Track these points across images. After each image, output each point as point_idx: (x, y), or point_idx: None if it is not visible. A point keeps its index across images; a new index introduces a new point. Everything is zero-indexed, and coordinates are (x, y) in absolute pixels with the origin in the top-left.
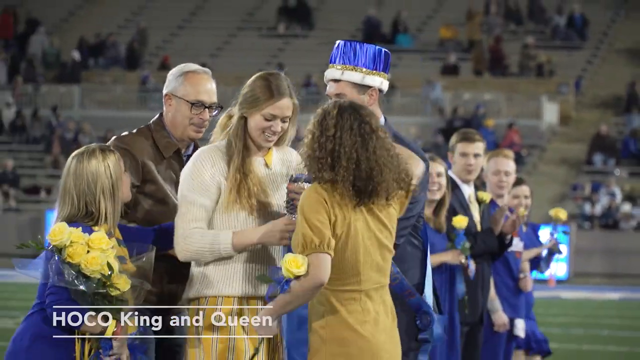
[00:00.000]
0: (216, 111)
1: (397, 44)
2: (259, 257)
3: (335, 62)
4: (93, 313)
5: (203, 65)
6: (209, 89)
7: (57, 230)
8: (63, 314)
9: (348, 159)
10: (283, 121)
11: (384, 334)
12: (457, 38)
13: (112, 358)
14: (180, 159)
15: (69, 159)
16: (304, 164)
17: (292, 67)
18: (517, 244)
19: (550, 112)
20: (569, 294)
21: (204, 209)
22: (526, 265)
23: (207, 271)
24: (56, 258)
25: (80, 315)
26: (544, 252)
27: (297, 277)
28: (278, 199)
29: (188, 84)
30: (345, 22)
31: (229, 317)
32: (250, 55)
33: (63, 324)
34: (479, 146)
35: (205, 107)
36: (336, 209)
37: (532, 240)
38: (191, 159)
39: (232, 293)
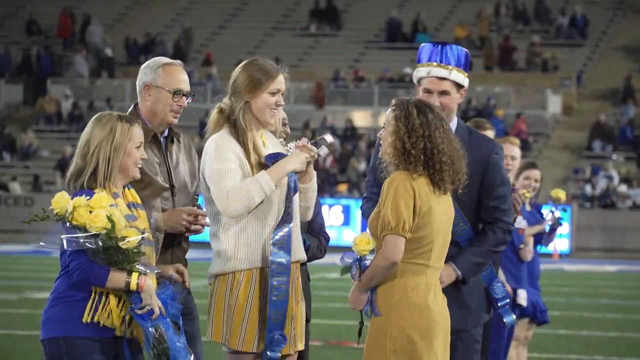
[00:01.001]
0: (189, 98)
1: (416, 42)
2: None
3: (435, 61)
4: (114, 269)
5: (240, 61)
6: (185, 79)
7: (58, 199)
8: (87, 274)
9: (440, 155)
10: (281, 94)
11: (442, 307)
12: (470, 36)
13: (144, 310)
14: (157, 142)
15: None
16: (390, 159)
17: (322, 62)
18: (520, 222)
19: (554, 103)
20: (571, 266)
21: (235, 172)
22: (529, 240)
23: (229, 248)
24: (65, 225)
25: (102, 273)
26: (547, 228)
27: (371, 252)
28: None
29: (167, 74)
30: (370, 23)
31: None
32: (285, 53)
33: (88, 283)
34: (489, 134)
35: (183, 94)
36: (423, 196)
37: (535, 218)
38: (208, 147)
39: (253, 266)
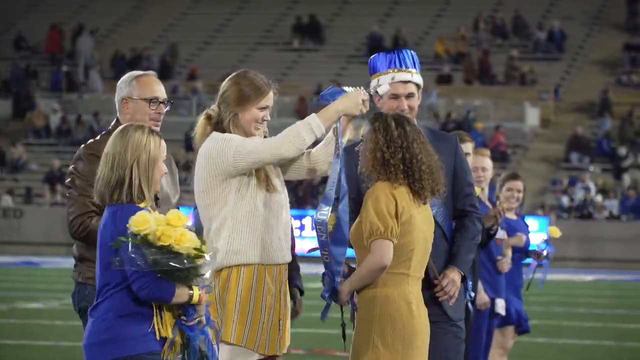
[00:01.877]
0: (167, 106)
1: None
2: (273, 229)
3: (396, 67)
4: (179, 285)
5: (227, 75)
6: (160, 88)
7: (141, 219)
8: (155, 292)
9: (419, 164)
10: (269, 109)
11: (424, 316)
12: (449, 51)
13: (194, 322)
14: None
15: (117, 129)
16: (371, 170)
17: (305, 77)
18: (500, 233)
19: (532, 116)
20: (549, 276)
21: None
22: (508, 251)
23: (230, 242)
24: (141, 246)
25: (171, 290)
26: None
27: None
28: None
29: (141, 85)
30: (351, 38)
31: (253, 283)
32: (269, 67)
33: (154, 300)
34: (469, 146)
35: (160, 102)
36: (404, 205)
37: (521, 226)
38: (209, 145)
39: (253, 261)
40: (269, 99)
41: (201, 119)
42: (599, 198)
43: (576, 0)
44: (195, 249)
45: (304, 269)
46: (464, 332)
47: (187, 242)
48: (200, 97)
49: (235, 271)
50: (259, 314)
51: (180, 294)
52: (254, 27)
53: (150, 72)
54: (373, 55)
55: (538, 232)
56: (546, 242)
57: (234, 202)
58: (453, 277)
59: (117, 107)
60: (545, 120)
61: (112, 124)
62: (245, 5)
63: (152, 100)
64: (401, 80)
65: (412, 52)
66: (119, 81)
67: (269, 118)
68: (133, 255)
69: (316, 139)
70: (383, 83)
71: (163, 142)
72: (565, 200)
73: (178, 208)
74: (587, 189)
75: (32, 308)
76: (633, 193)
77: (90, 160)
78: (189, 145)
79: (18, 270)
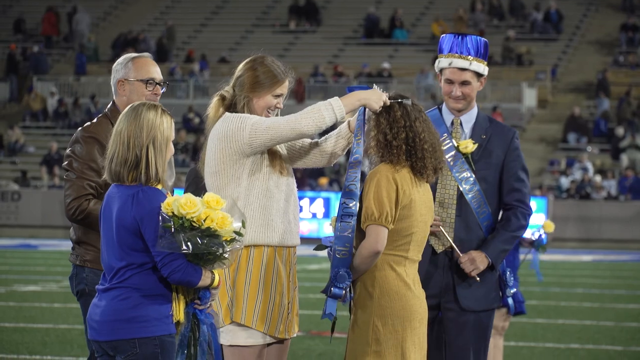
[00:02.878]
0: (164, 88)
1: (394, 38)
2: (284, 212)
3: (456, 52)
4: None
5: (222, 59)
6: (156, 69)
7: (189, 203)
8: (186, 275)
9: (422, 143)
10: (283, 97)
11: (421, 297)
12: (446, 32)
13: (207, 305)
14: None
15: (128, 107)
16: (374, 152)
17: (302, 58)
18: None
19: (530, 97)
20: (547, 256)
21: None
22: None
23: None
24: (183, 229)
25: (198, 273)
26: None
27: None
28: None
29: (137, 67)
30: (348, 19)
31: (263, 265)
32: (265, 49)
33: (182, 283)
34: None
35: (157, 83)
36: (405, 189)
37: None
38: (223, 121)
39: (263, 242)
40: (285, 87)
41: (214, 100)
42: (597, 178)
43: None
44: (235, 232)
45: (302, 250)
46: (489, 321)
47: (227, 225)
48: (197, 79)
49: (245, 252)
50: (269, 296)
51: (205, 278)
52: (251, 9)
53: (146, 53)
54: (443, 35)
55: (536, 213)
56: (539, 231)
57: (246, 184)
58: (474, 257)
59: (113, 89)
60: (542, 101)
61: (109, 106)
62: None
63: (148, 82)
64: (457, 67)
65: (480, 39)
66: (115, 63)
67: (282, 106)
68: (175, 238)
69: (336, 122)
70: (442, 65)
71: (173, 122)
72: (563, 180)
73: (173, 191)
74: (585, 170)
75: (30, 291)
76: (631, 173)
77: (88, 143)
78: (188, 127)
79: (16, 253)
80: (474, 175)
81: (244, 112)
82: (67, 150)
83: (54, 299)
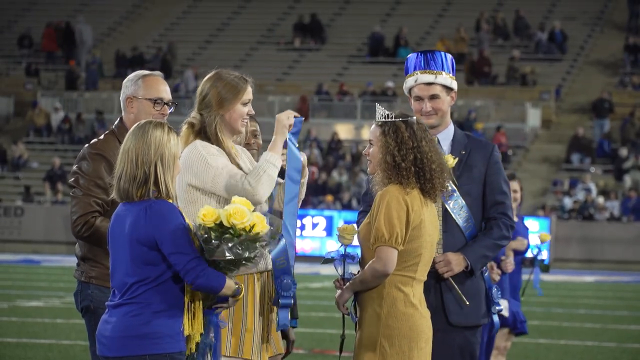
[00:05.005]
0: (172, 108)
1: (398, 57)
2: None
3: (420, 69)
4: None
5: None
6: (166, 88)
7: (240, 213)
8: (208, 280)
9: (430, 164)
10: (250, 102)
11: (427, 318)
12: (451, 51)
13: (219, 311)
14: None
15: (134, 126)
16: (382, 174)
17: (306, 76)
18: None
19: (534, 117)
20: (550, 277)
21: (232, 166)
22: (510, 252)
23: None
24: (227, 239)
25: (222, 279)
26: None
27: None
28: None
29: (147, 85)
30: (353, 37)
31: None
32: (270, 67)
33: (203, 289)
34: None
35: (165, 103)
36: (415, 210)
37: (520, 228)
38: (191, 155)
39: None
40: (249, 92)
41: (184, 129)
42: (600, 199)
43: (578, 0)
44: (270, 235)
45: (304, 269)
46: (475, 340)
47: (264, 227)
48: None
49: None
50: (252, 323)
51: (228, 285)
52: (256, 26)
53: (157, 72)
54: (408, 56)
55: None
56: (538, 247)
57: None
58: (449, 259)
59: (122, 105)
60: (546, 121)
61: (116, 122)
62: (246, 4)
63: (156, 101)
64: (424, 82)
65: (445, 54)
66: (125, 79)
67: (253, 112)
68: (218, 249)
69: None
70: (409, 85)
71: (179, 140)
72: (566, 201)
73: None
74: (588, 190)
75: (33, 306)
76: (634, 194)
77: (95, 160)
78: None
79: (19, 269)
80: (457, 191)
81: (217, 132)
82: (74, 167)
83: (56, 314)
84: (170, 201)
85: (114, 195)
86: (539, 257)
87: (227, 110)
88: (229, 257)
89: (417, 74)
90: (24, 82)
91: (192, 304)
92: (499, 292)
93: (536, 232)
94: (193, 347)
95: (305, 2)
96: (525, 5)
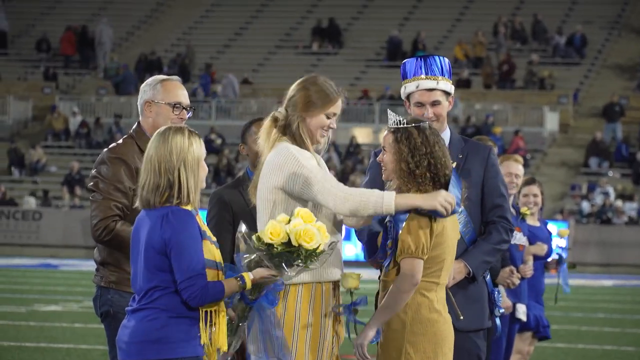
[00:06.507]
0: (190, 112)
1: None
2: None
3: (422, 74)
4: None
5: (245, 80)
6: (184, 93)
7: (310, 235)
8: (207, 293)
9: (444, 169)
10: (335, 117)
11: (449, 323)
12: (469, 55)
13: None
14: None
15: (155, 134)
16: (399, 182)
17: None
18: (520, 238)
19: (552, 121)
20: (568, 281)
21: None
22: (529, 257)
23: None
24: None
25: (219, 286)
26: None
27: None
28: None
29: (165, 90)
30: (371, 41)
31: (311, 302)
32: (287, 70)
33: (209, 301)
34: None
35: (183, 107)
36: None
37: (543, 233)
38: (281, 154)
39: (310, 280)
40: (337, 106)
41: (267, 121)
42: (618, 203)
43: (595, 5)
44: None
45: None
46: (481, 343)
47: (327, 236)
48: (219, 100)
49: (293, 290)
50: (318, 335)
51: (229, 286)
52: (274, 30)
53: (175, 77)
54: (404, 61)
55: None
56: (560, 247)
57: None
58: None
59: (139, 109)
60: (564, 125)
61: (134, 127)
62: (264, 8)
63: (175, 106)
64: (425, 88)
65: (442, 58)
66: (143, 84)
67: (335, 126)
68: (275, 265)
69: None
70: (408, 90)
71: (202, 142)
72: (584, 205)
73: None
74: (606, 194)
75: (51, 310)
76: None
77: (114, 164)
78: (210, 149)
79: (37, 273)
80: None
81: (298, 132)
82: (93, 171)
83: (75, 319)
84: (190, 207)
85: (137, 203)
86: (564, 256)
87: (311, 115)
88: (287, 273)
89: (418, 79)
90: (42, 87)
91: (211, 315)
92: (500, 296)
93: (557, 235)
94: (214, 356)
95: (323, 6)
96: (543, 9)
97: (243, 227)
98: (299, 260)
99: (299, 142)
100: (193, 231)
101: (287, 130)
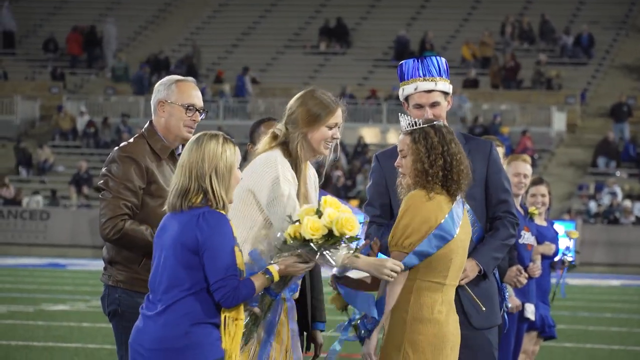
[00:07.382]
0: (203, 115)
1: None
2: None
3: (419, 76)
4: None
5: (253, 79)
6: (198, 95)
7: (351, 223)
8: (241, 291)
9: (459, 165)
10: (338, 127)
11: (455, 324)
12: (476, 55)
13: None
14: (174, 158)
15: (190, 140)
16: (411, 181)
17: (332, 80)
18: (527, 238)
19: (559, 121)
20: (576, 280)
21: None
22: (537, 257)
23: None
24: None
25: (249, 283)
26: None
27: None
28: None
29: (179, 90)
30: (378, 41)
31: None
32: (295, 70)
33: (241, 300)
34: (499, 151)
35: (196, 109)
36: (443, 213)
37: (551, 233)
38: (267, 164)
39: None
40: (338, 116)
41: (266, 138)
42: (626, 203)
43: (603, 5)
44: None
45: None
46: (494, 339)
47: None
48: (227, 100)
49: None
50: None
51: (259, 282)
52: (281, 30)
53: (190, 78)
54: (401, 62)
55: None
56: (567, 248)
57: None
58: (464, 266)
59: (152, 108)
60: (571, 125)
61: (146, 126)
62: (272, 8)
63: (188, 107)
64: (424, 90)
65: (439, 58)
66: (157, 83)
67: (339, 136)
68: (323, 257)
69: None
70: (407, 92)
71: (237, 149)
72: (592, 205)
73: None
74: (613, 194)
75: (59, 310)
76: None
77: (124, 162)
78: None
79: (44, 272)
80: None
81: (298, 150)
82: (103, 169)
83: (82, 318)
84: (224, 212)
85: (165, 207)
86: (570, 259)
87: (313, 129)
88: (333, 264)
89: (416, 81)
90: (50, 86)
91: (228, 322)
92: (507, 291)
93: (564, 235)
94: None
95: (331, 6)
96: (550, 9)
97: (278, 234)
98: (344, 247)
99: (293, 157)
100: (229, 233)
101: (285, 147)
